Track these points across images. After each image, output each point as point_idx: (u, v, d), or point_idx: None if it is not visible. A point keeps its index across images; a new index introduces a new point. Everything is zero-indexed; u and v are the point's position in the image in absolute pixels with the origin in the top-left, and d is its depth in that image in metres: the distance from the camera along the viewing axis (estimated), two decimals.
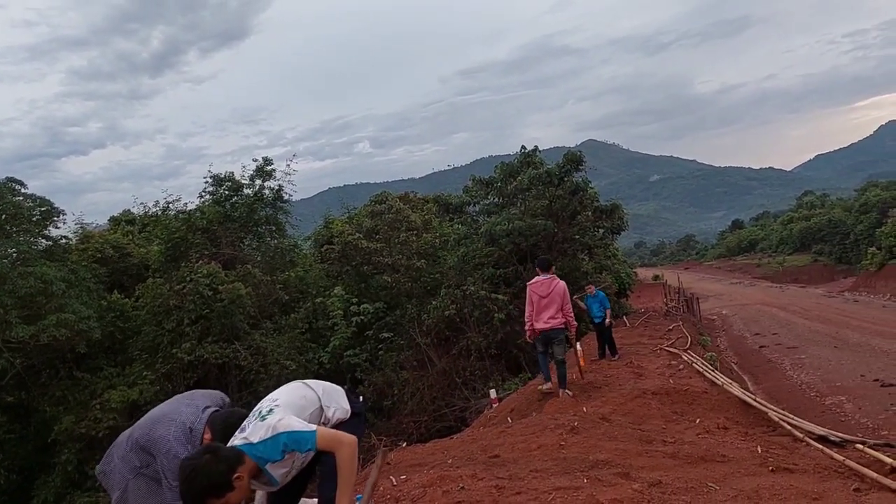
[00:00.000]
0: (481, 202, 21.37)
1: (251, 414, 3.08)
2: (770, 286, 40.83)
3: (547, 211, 19.41)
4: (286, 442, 2.83)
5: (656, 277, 45.41)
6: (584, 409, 7.82)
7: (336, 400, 3.36)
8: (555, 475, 4.68)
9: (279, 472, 2.92)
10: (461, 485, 4.51)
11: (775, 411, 7.67)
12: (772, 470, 4.90)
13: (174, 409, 3.69)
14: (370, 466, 6.90)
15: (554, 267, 9.55)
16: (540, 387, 9.58)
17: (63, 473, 16.48)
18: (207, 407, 3.65)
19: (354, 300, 20.55)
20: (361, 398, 3.60)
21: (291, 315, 21.04)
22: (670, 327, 17.92)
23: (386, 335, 19.70)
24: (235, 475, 2.74)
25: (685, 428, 7.05)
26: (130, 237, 23.89)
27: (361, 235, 20.91)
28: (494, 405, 12.19)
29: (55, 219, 20.14)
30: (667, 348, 13.72)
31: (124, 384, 17.37)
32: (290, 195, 23.12)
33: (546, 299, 8.77)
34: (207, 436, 3.44)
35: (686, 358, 12.02)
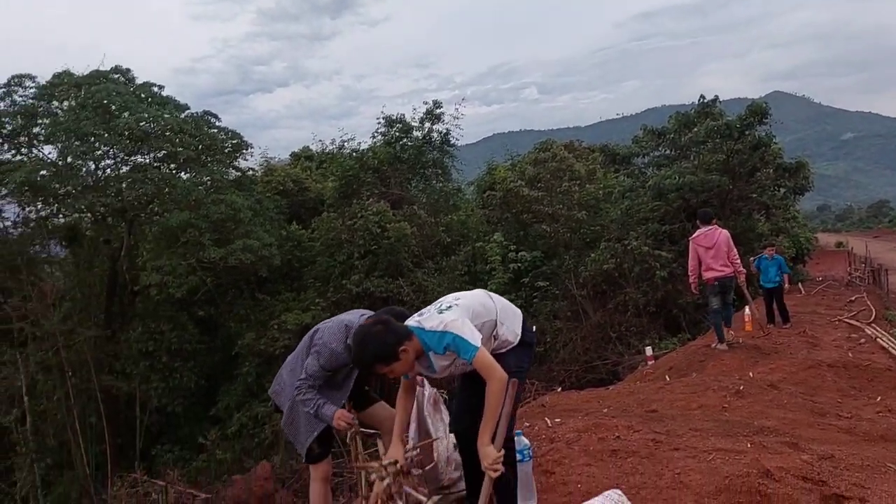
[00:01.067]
0: (651, 154, 20.46)
1: (433, 303, 3.30)
2: None
3: (723, 166, 18.24)
4: (450, 343, 2.99)
5: (840, 244, 41.43)
6: (751, 373, 7.49)
7: (511, 320, 3.40)
8: (715, 436, 4.58)
9: (440, 363, 3.12)
10: (616, 434, 4.53)
11: None
12: None
13: (336, 317, 4.13)
14: (527, 405, 7.11)
15: (716, 219, 9.50)
16: (715, 345, 9.47)
17: (244, 384, 18.40)
18: (364, 314, 3.97)
19: (513, 247, 20.71)
20: (535, 328, 3.66)
21: (452, 257, 21.66)
22: (852, 298, 16.42)
23: (541, 284, 19.73)
24: (402, 348, 2.98)
25: (863, 404, 6.56)
26: (308, 172, 25.54)
27: (523, 183, 20.87)
28: (650, 362, 11.99)
29: (244, 151, 21.99)
30: (847, 320, 12.66)
31: (299, 308, 18.90)
32: (457, 139, 23.62)
33: (712, 250, 8.85)
34: None
35: (870, 332, 11.05)
